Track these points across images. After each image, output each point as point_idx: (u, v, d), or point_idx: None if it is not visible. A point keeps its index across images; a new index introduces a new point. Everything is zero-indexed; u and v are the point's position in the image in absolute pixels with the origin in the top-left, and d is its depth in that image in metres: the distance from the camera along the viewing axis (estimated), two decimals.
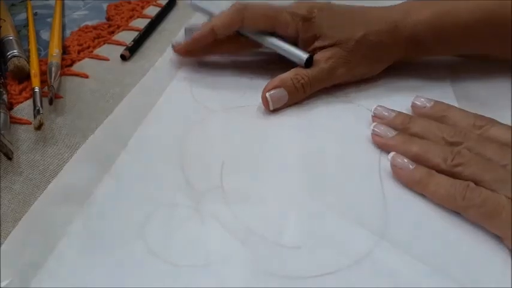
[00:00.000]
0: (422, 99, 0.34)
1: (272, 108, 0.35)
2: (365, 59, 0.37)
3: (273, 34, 0.38)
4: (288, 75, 0.36)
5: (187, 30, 0.41)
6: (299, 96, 0.36)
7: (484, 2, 0.36)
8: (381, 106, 0.34)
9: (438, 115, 0.33)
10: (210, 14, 0.41)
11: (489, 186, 0.26)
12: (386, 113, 0.34)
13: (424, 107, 0.34)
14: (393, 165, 0.30)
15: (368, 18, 0.37)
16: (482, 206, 0.26)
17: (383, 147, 0.32)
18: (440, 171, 0.28)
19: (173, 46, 0.41)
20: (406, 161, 0.29)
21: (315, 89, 0.37)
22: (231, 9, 0.37)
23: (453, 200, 0.27)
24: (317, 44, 0.37)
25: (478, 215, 0.26)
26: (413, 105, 0.34)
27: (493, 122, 0.31)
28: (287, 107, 0.36)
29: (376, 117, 0.34)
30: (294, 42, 0.37)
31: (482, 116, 0.31)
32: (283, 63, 0.38)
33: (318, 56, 0.37)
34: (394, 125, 0.33)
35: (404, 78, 0.39)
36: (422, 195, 0.28)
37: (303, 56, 0.36)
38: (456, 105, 0.35)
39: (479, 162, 0.28)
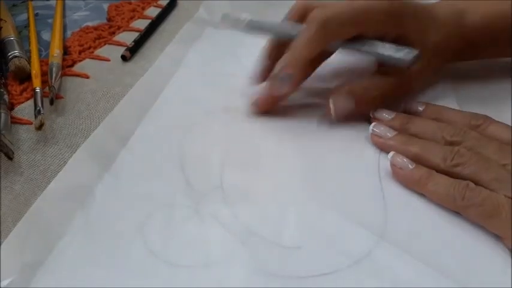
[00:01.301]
0: (416, 104, 0.34)
1: (335, 116, 0.33)
2: (439, 63, 0.35)
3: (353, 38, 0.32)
4: (361, 84, 0.33)
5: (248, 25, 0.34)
6: (368, 109, 0.33)
7: None
8: (382, 110, 0.34)
9: (432, 117, 0.33)
10: (273, 31, 0.34)
11: (489, 186, 0.26)
12: (385, 115, 0.33)
13: (417, 110, 0.34)
14: (393, 165, 0.30)
15: (436, 18, 0.34)
16: (482, 206, 0.26)
17: (382, 147, 0.32)
18: (440, 171, 0.28)
19: (258, 102, 0.34)
20: (405, 160, 0.29)
21: (386, 103, 0.34)
22: (313, 27, 0.31)
23: (452, 200, 0.27)
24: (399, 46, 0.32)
25: (478, 214, 0.26)
26: (405, 109, 0.34)
27: (489, 120, 0.31)
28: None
29: (375, 118, 0.34)
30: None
31: (477, 114, 0.31)
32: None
33: None
34: (393, 126, 0.32)
35: None
36: (422, 195, 0.28)
37: (412, 52, 0.31)
38: (456, 105, 0.35)
39: (478, 161, 0.27)
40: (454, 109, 0.33)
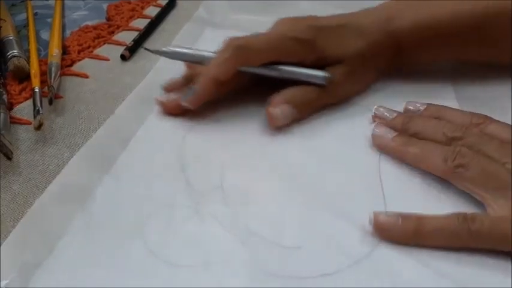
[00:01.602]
0: (415, 103, 0.34)
1: (276, 126, 0.33)
2: (365, 71, 0.37)
3: (275, 63, 0.34)
4: (294, 91, 0.34)
5: (166, 86, 0.37)
6: (307, 113, 0.35)
7: (461, 5, 0.36)
8: (381, 106, 0.34)
9: (433, 117, 0.32)
10: (197, 58, 0.35)
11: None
12: (387, 114, 0.33)
13: (418, 111, 0.34)
14: (373, 136, 0.32)
15: (360, 29, 0.36)
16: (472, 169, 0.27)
17: (383, 149, 0.32)
18: (441, 172, 0.28)
19: (163, 103, 0.35)
20: (387, 129, 0.32)
21: (320, 106, 0.36)
22: (228, 50, 0.33)
23: (442, 162, 0.28)
24: (321, 64, 0.35)
25: (468, 178, 0.27)
26: (406, 110, 0.34)
27: (489, 119, 0.31)
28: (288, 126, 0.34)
29: (376, 117, 0.34)
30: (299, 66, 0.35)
31: (478, 113, 0.31)
32: None
33: None
34: (394, 125, 0.32)
35: (404, 81, 0.39)
36: (422, 196, 0.28)
37: (323, 74, 0.34)
38: (457, 106, 0.35)
39: (481, 163, 0.27)
40: (455, 109, 0.33)
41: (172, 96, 0.35)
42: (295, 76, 0.35)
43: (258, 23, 0.47)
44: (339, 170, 0.31)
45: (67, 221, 0.26)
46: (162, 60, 0.42)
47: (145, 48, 0.37)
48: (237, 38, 0.34)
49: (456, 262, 0.25)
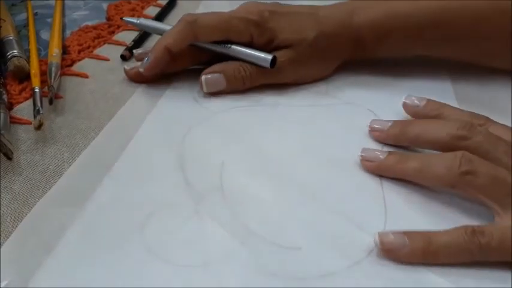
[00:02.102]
0: (413, 98, 0.33)
1: (206, 91, 0.37)
2: (315, 60, 0.38)
3: (228, 41, 0.37)
4: (232, 64, 0.37)
5: (136, 55, 0.40)
6: (237, 86, 0.37)
7: (427, 2, 0.37)
8: (376, 120, 0.33)
9: (432, 114, 0.32)
10: (158, 30, 0.40)
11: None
12: (380, 126, 0.32)
13: (417, 106, 0.33)
14: (363, 161, 0.30)
15: (317, 19, 0.37)
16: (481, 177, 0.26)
17: (378, 172, 0.30)
18: (447, 182, 0.27)
19: (126, 71, 0.39)
20: (377, 152, 0.30)
21: (256, 84, 0.37)
22: (181, 23, 0.36)
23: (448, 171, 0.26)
24: (272, 47, 0.37)
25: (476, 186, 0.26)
26: (405, 105, 0.34)
27: (490, 120, 0.30)
28: (226, 93, 0.37)
29: (372, 131, 0.33)
30: (250, 47, 0.37)
31: (478, 114, 0.30)
32: None
33: None
34: (392, 133, 0.31)
35: (403, 78, 0.39)
36: (422, 196, 0.28)
37: (267, 57, 0.36)
38: (456, 105, 0.35)
39: (489, 169, 0.26)
40: (454, 107, 0.32)
41: (135, 65, 0.39)
42: (242, 56, 0.37)
43: None
44: (339, 171, 0.31)
45: (67, 222, 0.26)
46: None
47: (121, 18, 0.42)
48: (192, 14, 0.37)
49: (455, 265, 0.25)
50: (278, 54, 0.36)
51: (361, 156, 0.31)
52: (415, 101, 0.33)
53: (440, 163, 0.27)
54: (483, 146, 0.27)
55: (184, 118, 0.35)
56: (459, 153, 0.27)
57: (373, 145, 0.32)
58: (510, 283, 0.24)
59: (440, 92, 0.38)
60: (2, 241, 0.25)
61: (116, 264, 0.24)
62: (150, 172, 0.30)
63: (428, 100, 0.33)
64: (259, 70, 0.37)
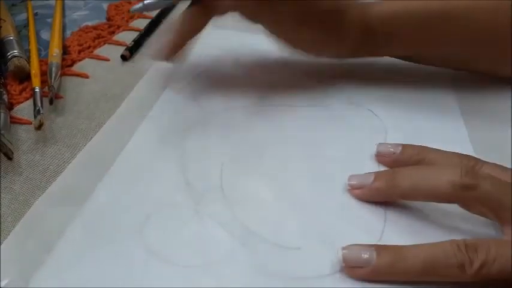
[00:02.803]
0: (387, 146, 0.30)
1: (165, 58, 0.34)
2: (314, 20, 0.34)
3: None
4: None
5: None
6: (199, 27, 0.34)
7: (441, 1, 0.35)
8: (353, 176, 0.29)
9: (414, 160, 0.28)
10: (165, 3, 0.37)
11: None
12: (359, 182, 0.28)
13: (393, 154, 0.29)
14: (351, 190, 0.28)
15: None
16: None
17: (370, 198, 0.27)
18: (461, 278, 0.22)
19: (155, 55, 0.35)
20: (364, 176, 0.28)
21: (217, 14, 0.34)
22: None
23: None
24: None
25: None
26: (379, 155, 0.30)
27: (480, 160, 0.27)
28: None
29: (353, 189, 0.28)
30: None
31: (465, 154, 0.28)
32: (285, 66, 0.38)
33: None
34: (379, 187, 0.27)
35: (404, 90, 0.38)
36: (420, 207, 0.28)
37: None
38: (461, 120, 0.34)
39: (494, 183, 0.23)
40: (435, 149, 0.29)
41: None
42: None
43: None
44: (339, 172, 0.30)
45: (67, 221, 0.26)
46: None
47: (130, 10, 0.37)
48: None
49: None
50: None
51: (349, 185, 0.28)
52: (390, 149, 0.30)
53: (449, 260, 0.23)
54: (493, 196, 0.24)
55: (184, 118, 0.35)
56: (462, 246, 0.23)
57: (373, 151, 0.31)
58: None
59: (444, 102, 0.37)
60: (2, 241, 0.25)
61: (115, 265, 0.24)
62: (150, 172, 0.30)
63: (404, 145, 0.29)
64: (197, 8, 0.34)
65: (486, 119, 0.31)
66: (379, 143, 0.31)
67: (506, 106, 0.36)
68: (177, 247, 0.25)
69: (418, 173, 0.26)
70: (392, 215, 0.27)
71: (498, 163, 0.26)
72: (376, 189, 0.27)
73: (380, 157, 0.31)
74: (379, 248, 0.24)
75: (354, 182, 0.28)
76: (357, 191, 0.28)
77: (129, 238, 0.26)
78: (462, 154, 0.27)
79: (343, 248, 0.24)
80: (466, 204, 0.25)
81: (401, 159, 0.29)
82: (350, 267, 0.24)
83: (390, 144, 0.30)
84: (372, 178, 0.27)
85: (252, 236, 0.26)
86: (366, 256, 0.23)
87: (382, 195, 0.27)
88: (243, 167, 0.31)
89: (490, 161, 0.27)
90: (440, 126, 0.35)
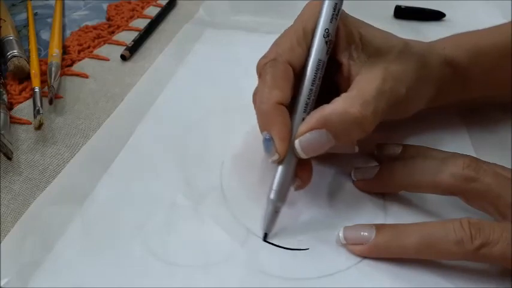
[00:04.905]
0: (387, 146, 0.30)
1: (307, 157, 0.26)
2: (411, 76, 0.28)
3: None
4: (336, 107, 0.25)
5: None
6: (355, 138, 0.27)
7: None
8: (359, 169, 0.29)
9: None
10: None
11: None
12: (365, 174, 0.29)
13: (394, 153, 0.30)
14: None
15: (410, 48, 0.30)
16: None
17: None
18: (462, 258, 0.23)
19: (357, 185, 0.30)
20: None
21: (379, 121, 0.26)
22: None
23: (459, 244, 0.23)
24: (354, 53, 0.28)
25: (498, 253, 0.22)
26: (379, 154, 0.30)
27: (480, 161, 0.26)
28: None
29: (358, 182, 0.29)
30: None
31: (466, 155, 0.27)
32: None
33: (365, 78, 0.27)
34: (377, 186, 0.28)
35: (416, 131, 0.34)
36: (420, 198, 0.28)
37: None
38: (461, 120, 0.34)
39: (503, 233, 0.22)
40: (436, 149, 0.29)
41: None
42: None
43: (258, 23, 0.48)
44: (339, 172, 0.31)
45: (66, 220, 0.26)
46: (160, 60, 0.42)
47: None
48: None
49: (454, 262, 0.25)
50: (374, 70, 0.27)
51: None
52: (391, 149, 0.30)
53: (448, 235, 0.23)
54: (493, 189, 0.24)
55: (184, 118, 0.35)
56: (465, 223, 0.23)
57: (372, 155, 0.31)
58: (510, 283, 0.24)
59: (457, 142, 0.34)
60: (1, 240, 0.25)
61: (115, 264, 0.24)
62: (150, 171, 0.30)
63: (405, 145, 0.30)
64: (378, 102, 0.26)
65: (486, 119, 0.31)
66: (379, 143, 0.31)
67: (506, 106, 0.36)
68: (177, 247, 0.25)
69: (420, 165, 0.27)
70: (392, 214, 0.27)
71: (498, 163, 0.26)
72: (380, 180, 0.28)
73: (380, 157, 0.31)
74: (379, 226, 0.25)
75: (358, 174, 0.29)
76: (361, 183, 0.29)
77: (129, 238, 0.26)
78: (462, 154, 0.27)
79: (345, 227, 0.25)
80: (467, 198, 0.25)
81: (402, 159, 0.29)
82: (350, 244, 0.25)
83: (391, 144, 0.30)
84: (376, 170, 0.28)
85: (252, 236, 0.26)
86: (365, 234, 0.25)
87: (385, 187, 0.28)
88: (243, 166, 0.31)
89: (490, 161, 0.27)
90: (441, 127, 0.35)
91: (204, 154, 0.32)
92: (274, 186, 0.26)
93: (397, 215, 0.28)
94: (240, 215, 0.27)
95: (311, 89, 0.26)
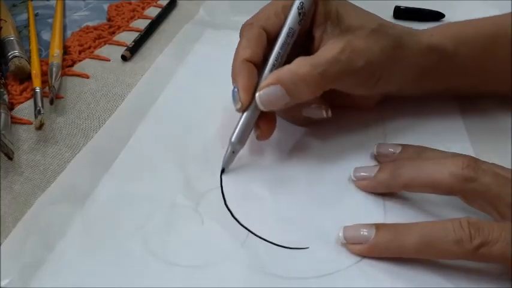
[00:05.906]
0: (387, 146, 0.30)
1: (266, 110, 0.29)
2: (378, 54, 0.30)
3: None
4: (289, 68, 0.28)
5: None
6: (304, 96, 0.29)
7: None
8: (359, 168, 0.29)
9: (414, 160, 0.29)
10: None
11: None
12: (366, 173, 0.29)
13: (393, 154, 0.30)
14: (356, 180, 0.28)
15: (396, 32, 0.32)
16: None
17: (372, 188, 0.28)
18: (461, 258, 0.23)
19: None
20: (368, 169, 0.28)
21: (327, 88, 0.29)
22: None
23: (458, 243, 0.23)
24: (328, 28, 0.30)
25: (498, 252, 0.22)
26: (378, 155, 0.30)
27: (479, 161, 0.26)
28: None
29: (359, 181, 0.29)
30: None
31: (463, 154, 0.27)
32: None
33: (327, 47, 0.29)
34: (381, 183, 0.28)
35: (409, 117, 0.36)
36: (420, 198, 0.28)
37: None
38: (461, 120, 0.34)
39: (503, 234, 0.22)
40: (436, 149, 0.29)
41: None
42: None
43: None
44: (339, 172, 0.31)
45: (67, 220, 0.27)
46: (160, 60, 0.42)
47: None
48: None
49: (454, 262, 0.25)
50: (339, 42, 0.29)
51: (354, 176, 0.29)
52: (390, 149, 0.30)
53: (447, 235, 0.23)
54: (493, 189, 0.24)
55: (184, 117, 0.35)
56: (464, 223, 0.23)
57: (372, 151, 0.31)
58: (510, 283, 0.24)
59: (443, 103, 0.36)
60: (2, 241, 0.25)
61: (116, 264, 0.24)
62: (150, 171, 0.30)
63: (404, 145, 0.30)
64: (329, 69, 0.28)
65: (486, 119, 0.31)
66: (379, 144, 0.31)
67: (506, 106, 0.36)
68: (177, 247, 0.25)
69: (421, 165, 0.27)
70: (392, 214, 0.28)
71: (498, 163, 0.26)
72: (380, 180, 0.28)
73: (380, 157, 0.31)
74: (379, 226, 0.25)
75: (359, 174, 0.29)
76: (361, 182, 0.29)
77: (130, 238, 0.26)
78: (462, 154, 0.27)
79: (345, 227, 0.26)
80: (466, 197, 0.25)
81: (401, 159, 0.29)
82: (350, 244, 0.25)
83: (390, 144, 0.31)
84: (376, 170, 0.28)
85: (252, 236, 0.26)
86: (365, 233, 0.25)
87: (384, 187, 0.28)
88: (243, 166, 0.31)
89: (489, 161, 0.27)
90: (440, 127, 0.35)
91: (204, 154, 0.32)
92: (236, 130, 0.30)
93: (397, 215, 0.28)
94: (239, 215, 0.27)
95: (279, 53, 0.30)
